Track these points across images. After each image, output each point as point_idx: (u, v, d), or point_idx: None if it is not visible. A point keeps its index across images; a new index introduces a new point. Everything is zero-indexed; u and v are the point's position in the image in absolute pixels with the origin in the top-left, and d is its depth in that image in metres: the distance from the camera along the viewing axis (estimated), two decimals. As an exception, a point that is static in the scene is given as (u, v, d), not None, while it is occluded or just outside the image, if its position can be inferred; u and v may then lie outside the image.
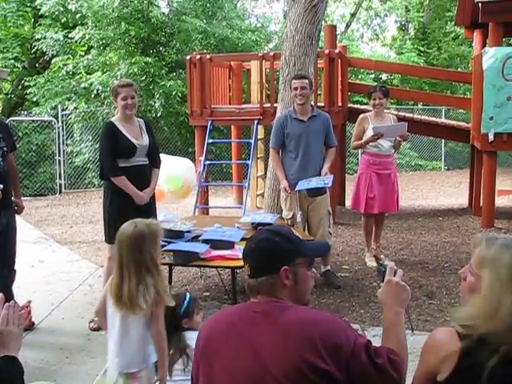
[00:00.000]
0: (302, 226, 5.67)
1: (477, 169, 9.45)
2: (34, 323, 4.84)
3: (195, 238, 4.94)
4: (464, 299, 2.01)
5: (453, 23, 14.49)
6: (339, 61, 9.04)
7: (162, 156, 5.49)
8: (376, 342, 2.04)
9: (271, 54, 9.20)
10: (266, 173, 7.77)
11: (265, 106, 9.11)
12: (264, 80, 9.46)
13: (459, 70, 20.42)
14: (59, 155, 13.34)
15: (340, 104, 9.22)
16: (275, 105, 7.62)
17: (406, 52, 20.64)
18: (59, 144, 13.36)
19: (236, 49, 15.63)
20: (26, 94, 14.90)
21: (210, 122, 9.13)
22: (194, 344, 2.16)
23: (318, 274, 5.97)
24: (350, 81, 10.53)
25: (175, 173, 7.44)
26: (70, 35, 14.56)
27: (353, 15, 25.03)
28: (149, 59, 13.90)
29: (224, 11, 16.89)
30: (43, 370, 4.10)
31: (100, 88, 13.64)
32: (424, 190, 13.38)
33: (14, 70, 15.71)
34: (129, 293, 2.79)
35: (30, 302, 2.32)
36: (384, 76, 20.14)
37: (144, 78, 13.83)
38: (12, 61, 15.12)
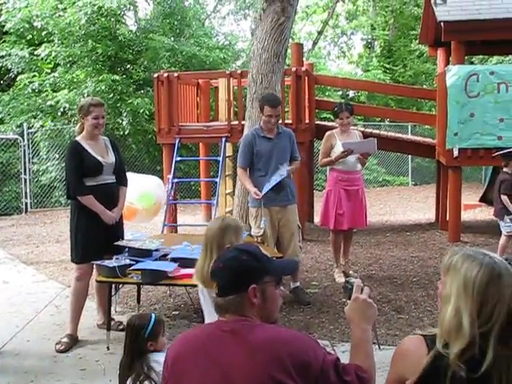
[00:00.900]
0: (272, 236, 5.64)
1: (443, 184, 9.59)
2: (-3, 346, 4.75)
3: (164, 257, 4.89)
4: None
5: (417, 41, 14.73)
6: (306, 78, 9.13)
7: (130, 174, 5.46)
8: (346, 358, 2.04)
9: (239, 71, 9.25)
10: (234, 190, 7.76)
11: (232, 123, 9.14)
12: (232, 97, 9.49)
13: (424, 86, 20.75)
14: (25, 174, 13.14)
15: (307, 121, 9.29)
16: (243, 122, 7.64)
17: (372, 69, 20.93)
18: (25, 162, 13.17)
19: (204, 66, 15.66)
20: (-9, 111, 14.69)
21: (177, 140, 9.10)
22: (160, 367, 2.13)
23: (288, 290, 5.98)
24: (317, 98, 10.62)
25: (147, 190, 7.40)
26: (35, 52, 14.43)
27: (319, 33, 25.32)
28: (116, 77, 13.85)
29: (192, 29, 16.96)
30: (7, 395, 4.01)
31: (67, 106, 13.51)
32: (392, 206, 13.51)
33: (-21, 87, 15.52)
34: (209, 270, 2.83)
35: None
36: (351, 93, 20.38)
37: (111, 95, 13.76)
38: (-24, 78, 14.95)
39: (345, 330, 5.06)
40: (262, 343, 1.92)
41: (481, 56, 16.23)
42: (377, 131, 11.01)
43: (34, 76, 14.39)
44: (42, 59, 14.56)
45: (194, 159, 12.83)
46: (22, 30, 14.68)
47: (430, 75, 21.19)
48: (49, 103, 13.77)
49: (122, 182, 5.06)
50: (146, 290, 6.13)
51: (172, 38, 15.73)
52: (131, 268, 4.51)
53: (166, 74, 9.31)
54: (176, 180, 9.04)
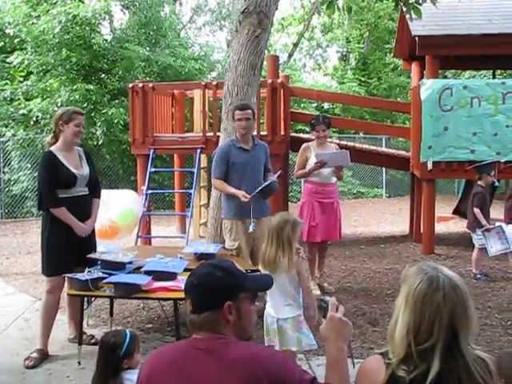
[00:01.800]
0: (246, 249, 5.58)
1: (417, 196, 9.66)
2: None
3: (137, 270, 4.82)
4: None
5: (392, 55, 14.88)
6: (282, 90, 9.13)
7: (106, 192, 5.40)
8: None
9: (214, 82, 9.23)
10: (208, 202, 7.71)
11: (208, 134, 9.10)
12: (207, 109, 9.45)
13: (398, 99, 20.95)
14: (-4, 183, 12.95)
15: (283, 133, 9.29)
16: (218, 134, 7.61)
17: (347, 82, 21.08)
18: (-4, 172, 12.98)
19: (179, 77, 15.63)
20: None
21: (152, 151, 9.03)
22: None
23: (263, 303, 5.93)
24: (292, 110, 10.64)
25: (127, 207, 7.37)
26: (7, 60, 14.26)
27: (295, 45, 25.46)
28: (91, 86, 13.74)
29: (167, 39, 16.93)
30: (-26, 412, 3.89)
31: (39, 115, 13.36)
32: (366, 218, 13.56)
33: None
34: (269, 256, 3.95)
35: None
36: (326, 105, 20.48)
37: (86, 105, 13.63)
38: None
39: (320, 343, 5.01)
40: (238, 362, 1.89)
41: (453, 70, 16.46)
42: (352, 143, 11.06)
43: (6, 84, 14.23)
44: (14, 67, 14.40)
45: (168, 170, 12.75)
46: (-7, 37, 14.53)
47: (405, 88, 21.40)
48: (21, 112, 13.62)
49: (95, 193, 4.99)
50: (119, 302, 6.03)
51: (147, 48, 15.68)
52: (104, 281, 4.43)
53: (140, 85, 9.25)
54: (150, 191, 8.96)
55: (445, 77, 15.74)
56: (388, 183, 18.93)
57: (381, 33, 22.88)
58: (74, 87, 13.52)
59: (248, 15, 6.18)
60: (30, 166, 13.44)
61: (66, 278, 4.69)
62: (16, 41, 14.32)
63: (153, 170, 9.10)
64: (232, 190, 5.47)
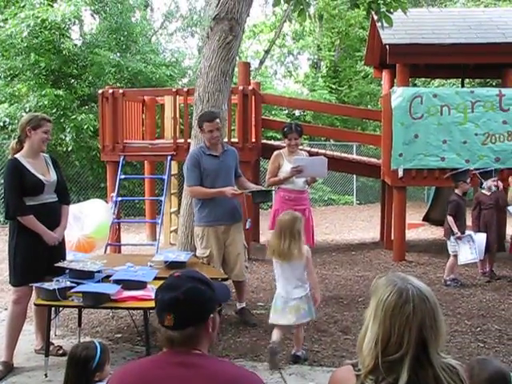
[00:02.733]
0: (218, 257, 5.56)
1: (388, 203, 9.72)
2: None
3: (106, 279, 4.73)
4: None
5: (362, 63, 15.02)
6: (253, 97, 9.12)
7: (76, 206, 5.31)
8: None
9: (185, 89, 9.18)
10: (179, 209, 7.64)
11: (178, 141, 9.04)
12: (178, 115, 9.39)
13: (369, 107, 21.17)
14: (-39, 190, 12.65)
15: (254, 140, 9.28)
16: (189, 140, 7.55)
17: (318, 89, 21.22)
18: (-39, 178, 12.68)
19: (150, 83, 15.54)
20: None
21: (122, 158, 8.93)
22: None
23: (234, 311, 5.89)
24: (263, 117, 10.64)
25: (102, 220, 7.32)
26: (-26, 64, 14.01)
27: (266, 52, 25.55)
28: (60, 92, 13.56)
29: (138, 45, 16.83)
30: None
31: (7, 120, 13.14)
32: (337, 225, 13.62)
33: None
34: (284, 248, 4.60)
35: None
36: (297, 112, 20.57)
37: (55, 110, 13.44)
38: None
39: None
40: (221, 377, 1.86)
41: (423, 78, 16.66)
42: (323, 151, 11.10)
43: (-27, 88, 13.96)
44: (-20, 71, 14.14)
45: (138, 177, 12.64)
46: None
47: (375, 96, 21.64)
48: (-12, 117, 13.35)
49: (64, 200, 4.89)
50: (88, 312, 5.92)
51: (118, 54, 15.56)
52: (72, 290, 4.34)
53: (111, 90, 9.15)
54: (120, 198, 8.85)
55: (414, 85, 15.93)
56: (359, 190, 19.07)
57: (351, 41, 23.09)
58: (43, 92, 13.33)
59: (219, 21, 6.16)
60: (-4, 172, 13.19)
61: (34, 288, 4.57)
62: (-18, 44, 14.06)
63: (123, 176, 8.99)
64: (214, 190, 5.44)
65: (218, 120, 5.51)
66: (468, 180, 7.40)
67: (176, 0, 25.07)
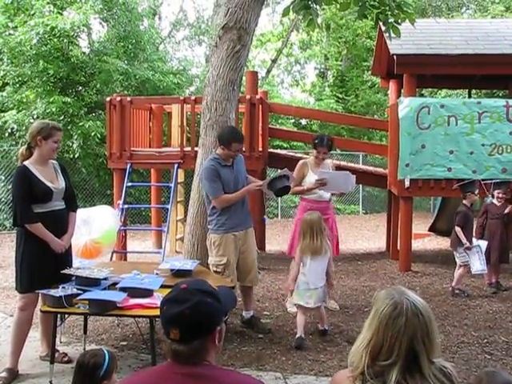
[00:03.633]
0: (234, 264, 5.57)
1: (394, 213, 9.70)
2: None
3: (112, 286, 4.73)
4: None
5: (369, 72, 15.03)
6: (260, 106, 9.14)
7: (83, 211, 5.31)
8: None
9: (193, 97, 9.20)
10: (185, 217, 7.65)
11: (185, 149, 9.06)
12: (185, 123, 9.42)
13: (376, 117, 21.16)
14: (-31, 196, 12.72)
15: (260, 149, 9.29)
16: (196, 149, 7.57)
17: (324, 98, 21.24)
18: (-31, 184, 12.75)
19: (157, 91, 15.59)
20: None
21: (129, 165, 8.96)
22: None
23: (240, 320, 5.88)
24: (270, 126, 10.65)
25: (110, 226, 7.31)
26: (-17, 70, 14.08)
27: (273, 61, 25.61)
28: (68, 99, 13.63)
29: (146, 53, 16.89)
30: None
31: (15, 127, 13.20)
32: (343, 234, 13.54)
33: None
34: (317, 245, 5.38)
35: None
36: (303, 121, 20.59)
37: (62, 117, 13.51)
38: None
39: (297, 361, 4.99)
40: None
41: (430, 89, 16.66)
42: (329, 160, 11.07)
43: (-19, 95, 14.03)
44: (-11, 78, 14.22)
45: (145, 185, 12.65)
46: (-31, 47, 14.32)
47: (381, 105, 21.64)
48: (-4, 123, 13.42)
49: (71, 207, 4.90)
50: (93, 319, 5.93)
51: (126, 62, 15.62)
52: (78, 298, 4.34)
53: (118, 98, 9.19)
54: (126, 206, 8.88)
55: (421, 95, 15.93)
56: (365, 200, 19.04)
57: (359, 50, 23.12)
58: (51, 99, 13.40)
59: (228, 31, 6.17)
60: (3, 178, 13.25)
61: (40, 294, 4.58)
62: (-8, 51, 14.15)
63: (129, 184, 9.02)
64: (239, 193, 5.58)
65: (243, 142, 5.75)
66: (476, 191, 7.38)
67: (184, 9, 25.23)
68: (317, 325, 5.79)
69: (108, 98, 9.41)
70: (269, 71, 25.36)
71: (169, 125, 10.79)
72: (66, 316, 5.19)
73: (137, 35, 16.61)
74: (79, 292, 4.40)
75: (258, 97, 9.14)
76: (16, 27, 13.96)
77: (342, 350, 5.27)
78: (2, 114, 13.49)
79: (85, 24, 14.50)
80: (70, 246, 4.97)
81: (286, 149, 16.14)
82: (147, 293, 4.49)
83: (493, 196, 7.62)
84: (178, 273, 5.07)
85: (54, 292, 4.33)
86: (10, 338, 4.76)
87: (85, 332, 5.35)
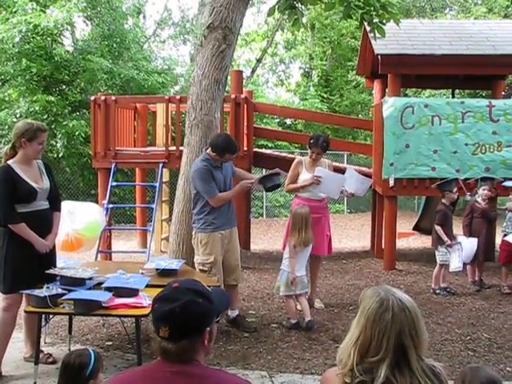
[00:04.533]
0: (220, 263, 5.59)
1: (378, 212, 9.75)
2: None
3: (97, 286, 4.71)
4: None
5: (354, 72, 15.08)
6: (245, 105, 9.14)
7: (69, 203, 5.28)
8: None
9: (177, 97, 9.18)
10: (170, 216, 7.64)
11: (170, 149, 9.03)
12: (170, 123, 9.39)
13: (360, 116, 21.24)
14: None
15: (246, 148, 9.29)
16: (181, 148, 7.56)
17: (309, 98, 21.29)
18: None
19: (142, 90, 15.55)
20: None
21: (113, 165, 8.92)
22: None
23: (226, 319, 5.88)
24: (255, 125, 10.66)
25: (94, 219, 7.23)
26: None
27: (258, 61, 25.61)
28: (51, 98, 13.54)
29: (130, 52, 16.82)
30: None
31: (-3, 126, 13.10)
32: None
33: None
34: (308, 237, 5.77)
35: None
36: (288, 121, 20.61)
37: (46, 116, 13.43)
38: None
39: (283, 360, 5.00)
40: None
41: (414, 89, 16.76)
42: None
43: (-37, 93, 13.91)
44: (-29, 76, 14.10)
45: (130, 184, 12.61)
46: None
47: (366, 105, 21.73)
48: (-22, 122, 13.31)
49: (55, 207, 4.87)
50: (78, 319, 5.89)
51: (110, 61, 15.54)
52: (63, 298, 4.31)
53: (103, 97, 9.15)
54: (111, 205, 8.84)
55: (405, 95, 16.01)
56: (349, 199, 19.07)
57: (343, 50, 23.20)
58: (34, 98, 13.31)
59: (213, 30, 6.17)
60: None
61: (24, 295, 4.54)
62: (-27, 49, 14.02)
63: (114, 183, 8.99)
64: (233, 191, 5.69)
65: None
66: (454, 190, 7.44)
67: (169, 8, 25.15)
68: (302, 319, 5.85)
69: (92, 97, 9.37)
70: (254, 71, 25.37)
71: (154, 124, 10.76)
72: (51, 316, 5.16)
73: (121, 34, 16.55)
74: (64, 292, 4.36)
75: (243, 96, 9.14)
76: (-3, 25, 13.85)
77: (328, 348, 5.29)
78: (-16, 113, 13.39)
79: (68, 22, 14.42)
80: (55, 246, 4.94)
81: (270, 148, 16.14)
82: (133, 292, 4.47)
83: (476, 194, 7.67)
84: (163, 272, 5.06)
85: (38, 292, 4.30)
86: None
87: (70, 332, 5.31)
